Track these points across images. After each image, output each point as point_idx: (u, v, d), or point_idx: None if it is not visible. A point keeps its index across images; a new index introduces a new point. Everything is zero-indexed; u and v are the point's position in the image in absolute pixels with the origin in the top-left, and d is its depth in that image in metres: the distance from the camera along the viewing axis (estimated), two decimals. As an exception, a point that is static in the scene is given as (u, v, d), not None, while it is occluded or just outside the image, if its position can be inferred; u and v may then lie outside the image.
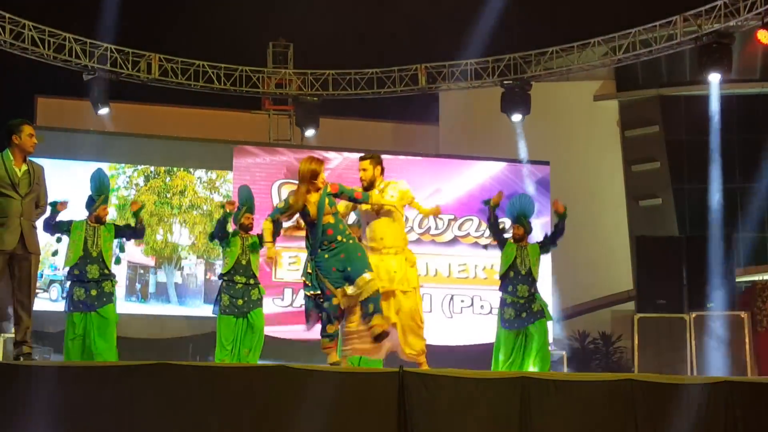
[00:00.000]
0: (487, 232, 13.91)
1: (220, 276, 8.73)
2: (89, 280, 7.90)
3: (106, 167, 9.96)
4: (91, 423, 5.14)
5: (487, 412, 5.87)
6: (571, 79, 17.02)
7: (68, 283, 8.06)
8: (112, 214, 12.42)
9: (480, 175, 14.52)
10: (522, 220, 8.76)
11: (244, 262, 8.59)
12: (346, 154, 13.81)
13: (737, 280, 12.86)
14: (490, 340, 8.76)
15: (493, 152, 15.34)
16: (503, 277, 8.69)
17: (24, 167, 6.29)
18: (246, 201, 8.77)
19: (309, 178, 6.24)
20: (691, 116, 20.22)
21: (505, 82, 14.80)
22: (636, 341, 10.85)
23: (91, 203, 8.09)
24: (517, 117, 14.96)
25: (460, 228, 14.18)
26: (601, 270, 17.62)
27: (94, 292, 7.91)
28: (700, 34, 13.27)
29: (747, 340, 10.43)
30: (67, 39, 13.71)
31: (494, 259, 11.02)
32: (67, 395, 5.15)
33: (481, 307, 13.93)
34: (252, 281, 8.62)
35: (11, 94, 15.78)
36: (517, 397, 5.93)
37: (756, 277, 16.27)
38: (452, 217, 14.13)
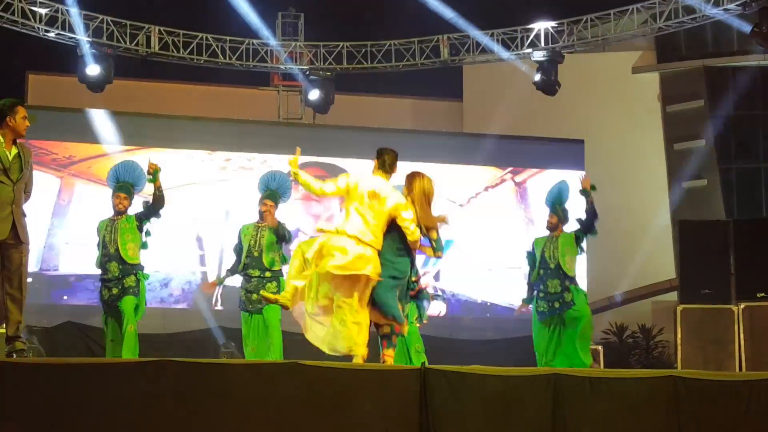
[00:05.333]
0: None
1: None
2: (111, 279, 8.06)
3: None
4: (90, 423, 5.17)
5: (517, 413, 5.86)
6: (607, 49, 16.90)
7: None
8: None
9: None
10: (557, 208, 8.73)
11: (256, 254, 8.40)
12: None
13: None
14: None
15: (522, 130, 15.25)
16: (535, 282, 8.71)
17: (14, 150, 6.28)
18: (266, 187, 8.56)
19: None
20: (740, 89, 20.06)
21: (535, 53, 14.72)
22: (679, 335, 10.81)
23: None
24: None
25: None
26: (641, 258, 17.53)
27: (115, 291, 8.05)
28: (749, -1, 13.16)
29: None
30: (60, 11, 13.73)
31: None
32: (65, 394, 5.17)
33: None
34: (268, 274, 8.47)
35: (0, 71, 15.84)
36: (549, 396, 5.92)
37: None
38: None
